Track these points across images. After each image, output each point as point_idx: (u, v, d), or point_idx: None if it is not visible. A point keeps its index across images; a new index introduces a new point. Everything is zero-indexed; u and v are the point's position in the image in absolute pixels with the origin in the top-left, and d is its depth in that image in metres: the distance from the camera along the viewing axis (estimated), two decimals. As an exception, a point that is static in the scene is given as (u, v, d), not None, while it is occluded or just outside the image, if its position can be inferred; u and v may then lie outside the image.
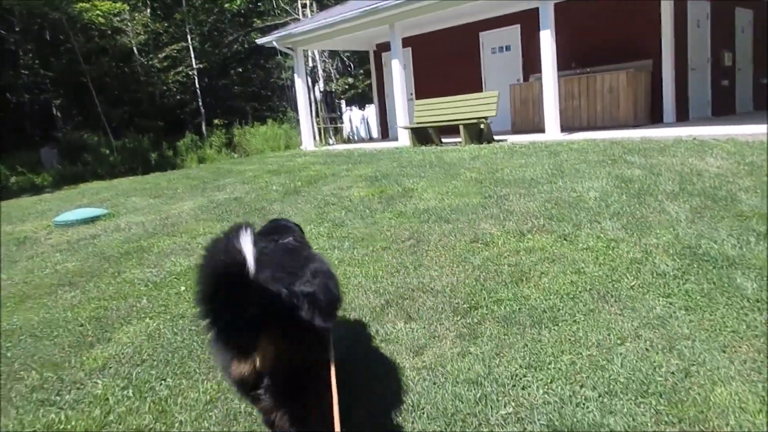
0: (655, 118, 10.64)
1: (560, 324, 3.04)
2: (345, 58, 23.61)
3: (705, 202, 4.58)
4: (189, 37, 24.30)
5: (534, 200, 5.33)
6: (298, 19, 20.66)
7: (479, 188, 6.10)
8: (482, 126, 9.95)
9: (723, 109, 12.00)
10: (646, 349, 2.73)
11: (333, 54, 23.65)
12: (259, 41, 14.93)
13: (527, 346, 2.87)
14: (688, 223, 4.19)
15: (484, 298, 3.48)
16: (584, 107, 10.80)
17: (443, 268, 4.05)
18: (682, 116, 10.75)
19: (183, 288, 4.27)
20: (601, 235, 4.20)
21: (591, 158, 6.75)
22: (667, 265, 3.56)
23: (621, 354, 2.70)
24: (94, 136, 19.90)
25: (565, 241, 4.24)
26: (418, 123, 11.12)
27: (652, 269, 3.54)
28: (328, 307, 1.93)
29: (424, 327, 3.18)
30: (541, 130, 10.89)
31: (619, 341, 2.81)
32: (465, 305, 3.41)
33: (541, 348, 2.83)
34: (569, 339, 2.88)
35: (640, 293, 3.28)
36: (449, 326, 3.17)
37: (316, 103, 20.23)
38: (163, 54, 23.93)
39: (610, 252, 3.89)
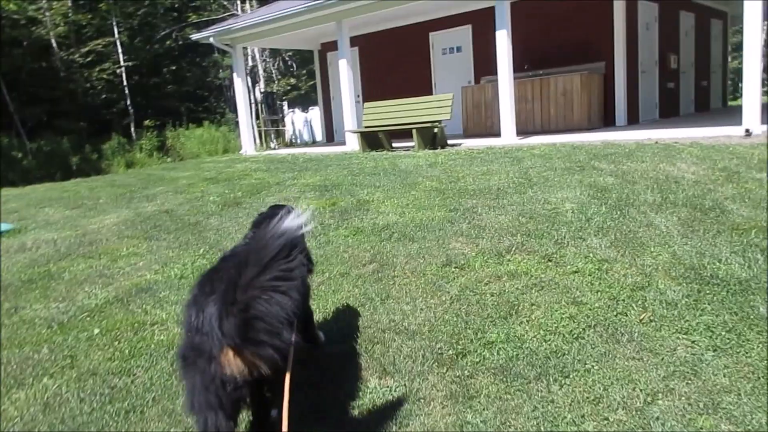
0: (608, 121, 10.47)
1: (571, 376, 2.49)
2: (287, 58, 22.67)
3: (693, 213, 4.19)
4: (116, 30, 22.70)
5: (506, 213, 4.82)
6: (237, 15, 19.62)
7: (442, 200, 5.55)
8: (436, 130, 9.46)
9: (669, 111, 12.03)
10: (685, 409, 2.21)
11: (274, 53, 22.67)
12: (195, 37, 13.91)
13: (537, 409, 2.30)
14: (682, 239, 3.77)
15: (471, 340, 2.90)
16: (538, 110, 10.51)
17: (416, 300, 3.45)
18: (633, 119, 10.64)
19: (97, 330, 3.48)
20: (590, 255, 3.72)
21: (557, 165, 6.34)
22: (675, 292, 3.09)
23: (657, 417, 2.17)
24: (5, 137, 18.10)
25: (550, 263, 3.73)
26: (367, 127, 10.52)
27: (659, 297, 3.06)
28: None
29: (404, 385, 2.56)
30: (495, 134, 10.52)
31: (649, 398, 2.29)
32: (450, 351, 2.82)
33: (556, 412, 2.27)
34: (587, 398, 2.33)
35: (653, 329, 2.79)
36: (435, 382, 2.56)
37: (256, 105, 19.29)
38: (87, 48, 22.20)
39: (605, 276, 3.39)
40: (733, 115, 11.52)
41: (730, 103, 16.57)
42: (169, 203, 7.38)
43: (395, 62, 13.55)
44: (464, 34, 12.26)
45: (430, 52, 12.94)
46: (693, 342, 2.63)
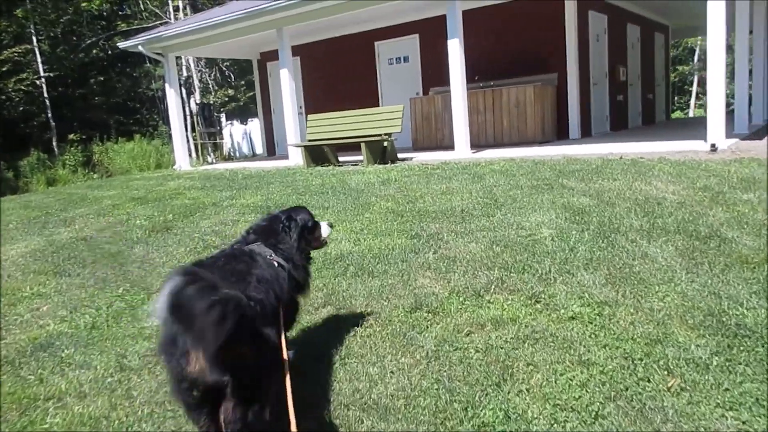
0: (561, 134, 10.18)
1: (603, 481, 1.88)
2: (224, 68, 21.57)
3: (690, 242, 3.72)
4: (35, 38, 20.97)
5: (476, 241, 4.23)
6: (169, 23, 18.48)
7: (402, 223, 4.92)
8: (386, 144, 8.86)
9: (619, 124, 11.93)
10: None
11: (211, 63, 21.53)
12: (122, 45, 12.81)
13: None
14: (687, 274, 3.27)
15: (461, 420, 2.26)
16: (490, 122, 10.10)
17: (384, 359, 2.78)
18: (586, 132, 10.41)
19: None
20: (585, 296, 3.16)
21: (522, 182, 5.84)
22: (699, 347, 2.55)
23: None
24: None
25: (538, 305, 3.15)
26: (312, 140, 9.80)
27: (683, 355, 2.51)
28: None
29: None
30: (446, 147, 10.05)
31: None
32: (437, 441, 2.16)
33: None
34: None
35: (687, 402, 2.22)
36: (424, 497, 1.89)
37: (191, 117, 18.17)
38: (1, 57, 20.38)
39: (611, 325, 2.83)
40: (682, 128, 11.56)
41: (672, 115, 16.88)
42: (88, 228, 6.46)
43: (340, 73, 12.91)
44: (411, 44, 11.77)
45: (376, 62, 12.38)
46: (744, 422, 2.07)
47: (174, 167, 13.38)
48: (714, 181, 5.07)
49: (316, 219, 2.79)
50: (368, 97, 12.19)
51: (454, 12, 8.47)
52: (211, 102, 20.30)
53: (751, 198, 4.43)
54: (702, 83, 27.31)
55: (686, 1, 11.39)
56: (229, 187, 8.06)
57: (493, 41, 10.60)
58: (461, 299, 3.32)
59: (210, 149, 17.56)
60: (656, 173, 5.63)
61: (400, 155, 9.45)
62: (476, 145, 9.46)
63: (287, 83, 10.39)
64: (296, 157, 10.26)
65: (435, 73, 11.13)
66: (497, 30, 10.55)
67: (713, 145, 6.68)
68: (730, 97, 10.32)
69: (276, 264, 2.37)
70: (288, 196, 6.78)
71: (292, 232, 2.56)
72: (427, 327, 3.06)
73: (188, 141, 13.84)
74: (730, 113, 7.67)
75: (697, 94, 26.93)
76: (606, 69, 11.13)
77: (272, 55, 12.80)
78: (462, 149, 8.74)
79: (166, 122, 16.65)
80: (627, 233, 3.97)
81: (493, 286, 3.43)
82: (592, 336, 2.76)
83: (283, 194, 6.96)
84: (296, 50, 12.80)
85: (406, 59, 11.98)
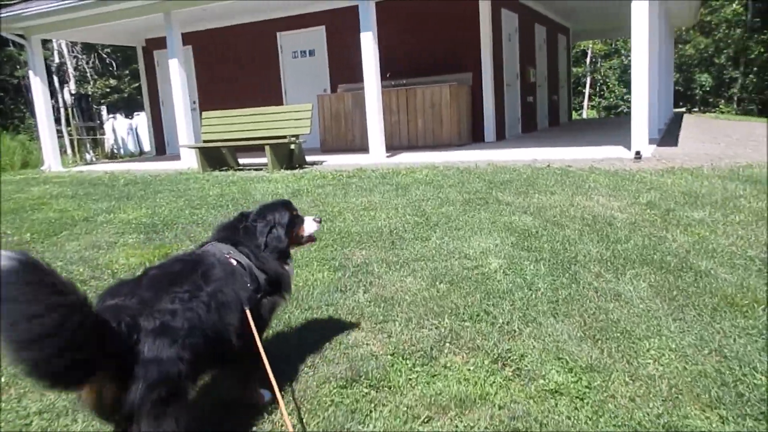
0: (476, 136, 9.78)
1: None
2: (105, 55, 19.31)
3: (663, 276, 3.23)
4: None
5: (414, 274, 3.53)
6: None
7: (321, 250, 4.11)
8: (293, 146, 7.96)
9: (529, 126, 11.80)
10: None
11: (89, 48, 19.19)
12: (-28, 23, 10.80)
13: None
14: (675, 323, 2.75)
15: None
16: (404, 124, 9.49)
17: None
18: (501, 134, 10.10)
19: None
20: (564, 357, 2.54)
21: (453, 196, 5.23)
22: (726, 435, 1.99)
23: None
24: None
25: (507, 370, 2.49)
26: (208, 141, 8.67)
27: (710, 450, 1.93)
28: None
29: None
30: (357, 149, 9.34)
31: None
32: None
33: None
34: None
35: None
36: None
37: (66, 109, 16.05)
38: None
39: (609, 404, 2.22)
40: (590, 131, 11.59)
41: (573, 117, 17.27)
42: None
43: (238, 65, 11.76)
44: (317, 36, 10.89)
45: (279, 55, 11.37)
46: None
47: (42, 168, 11.57)
48: (656, 195, 4.72)
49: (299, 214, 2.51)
50: (270, 94, 11.17)
51: (366, 4, 7.73)
52: (90, 93, 18.09)
53: (704, 217, 4.08)
54: (594, 85, 28.66)
55: (590, 2, 11.41)
56: (107, 196, 6.82)
57: (406, 37, 10.00)
58: (409, 364, 2.59)
59: (89, 146, 15.59)
60: (592, 185, 5.23)
61: (308, 158, 8.60)
62: (390, 147, 8.80)
63: (177, 75, 9.16)
64: (190, 160, 9.07)
65: (344, 69, 10.36)
66: (409, 25, 9.96)
67: (638, 153, 6.47)
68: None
69: (235, 262, 2.11)
70: (180, 210, 5.72)
71: (260, 228, 2.30)
72: (370, 412, 2.29)
73: (64, 136, 12.03)
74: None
75: (589, 95, 28.20)
76: (517, 70, 10.90)
77: (160, 43, 11.40)
78: (377, 153, 8.04)
79: (34, 114, 14.53)
80: (587, 264, 3.43)
81: (446, 343, 2.73)
82: (589, 421, 2.12)
83: (173, 207, 5.89)
84: (188, 38, 11.52)
85: (311, 53, 11.08)
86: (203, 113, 9.13)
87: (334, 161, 8.37)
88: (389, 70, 9.86)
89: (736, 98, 25.82)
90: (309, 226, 2.52)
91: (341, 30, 10.20)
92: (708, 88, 25.82)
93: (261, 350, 1.98)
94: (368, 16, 7.71)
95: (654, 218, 4.18)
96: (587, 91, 27.31)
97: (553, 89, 13.77)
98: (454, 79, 9.41)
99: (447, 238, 4.12)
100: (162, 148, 13.43)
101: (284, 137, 7.90)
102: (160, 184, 7.43)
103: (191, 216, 5.43)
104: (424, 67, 9.86)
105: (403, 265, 3.69)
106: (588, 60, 27.62)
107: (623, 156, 6.63)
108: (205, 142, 8.64)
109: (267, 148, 7.73)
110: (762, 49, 24.24)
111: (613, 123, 15.90)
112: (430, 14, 9.76)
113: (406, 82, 9.71)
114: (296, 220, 2.47)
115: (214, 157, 8.51)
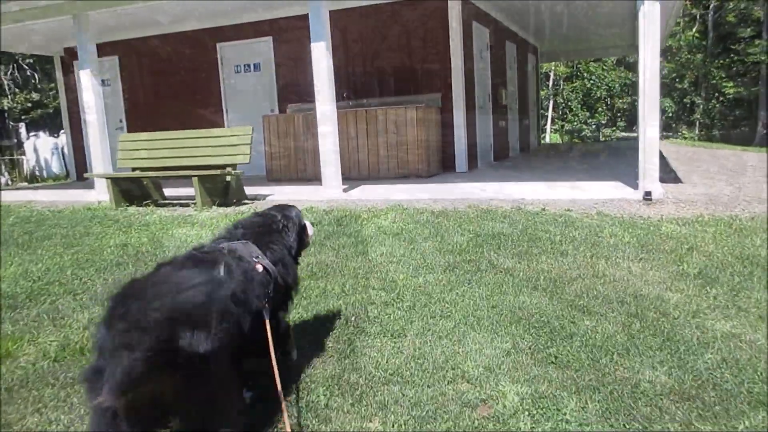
0: (446, 165, 8.55)
1: None
2: (25, 66, 17.19)
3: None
4: None
5: (383, 419, 2.17)
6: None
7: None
8: (229, 178, 6.53)
9: (501, 153, 10.69)
10: None
11: (9, 58, 17.08)
12: None
13: None
14: None
15: None
16: (364, 151, 8.17)
17: None
18: (473, 164, 8.90)
19: None
20: None
21: (431, 257, 3.91)
22: None
23: None
24: None
25: None
26: (123, 169, 7.13)
27: None
28: None
29: None
30: (309, 180, 8.00)
31: None
32: None
33: None
34: None
35: None
36: None
37: (-24, 126, 14.10)
38: None
39: None
40: (566, 159, 10.62)
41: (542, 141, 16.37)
42: None
43: (173, 79, 10.24)
44: (264, 48, 9.51)
45: (219, 69, 9.91)
46: None
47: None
48: (703, 262, 3.52)
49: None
50: (209, 112, 9.71)
51: (318, 11, 6.42)
52: (5, 107, 16.06)
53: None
54: (556, 108, 28.15)
55: (563, 18, 10.46)
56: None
57: (366, 52, 8.74)
58: None
59: (3, 168, 13.65)
60: (611, 242, 4.01)
61: (251, 189, 7.18)
62: (348, 178, 7.44)
63: (91, 90, 7.60)
64: (103, 191, 7.48)
65: (294, 86, 9.01)
66: (369, 36, 8.72)
67: (648, 194, 5.33)
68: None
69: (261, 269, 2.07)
70: (60, 271, 4.20)
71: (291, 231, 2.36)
72: None
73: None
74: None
75: (552, 119, 27.65)
76: (489, 90, 9.79)
77: (79, 52, 9.79)
78: (331, 186, 6.69)
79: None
80: (661, 402, 2.14)
81: None
82: None
83: (53, 264, 4.36)
84: (114, 47, 10.02)
85: (257, 67, 9.68)
86: (121, 136, 7.59)
87: (281, 195, 6.97)
88: (347, 89, 8.57)
89: (698, 123, 25.69)
90: (311, 230, 2.58)
91: (291, 42, 8.88)
92: (671, 114, 25.62)
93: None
94: (320, 21, 6.39)
95: (719, 302, 2.96)
96: (550, 113, 26.76)
97: (524, 112, 12.77)
98: (422, 100, 8.18)
99: (430, 335, 2.79)
100: (84, 172, 11.68)
101: (217, 167, 6.46)
102: (56, 226, 5.87)
103: (71, 281, 3.93)
104: (386, 86, 8.61)
105: (365, 393, 2.33)
106: (550, 82, 27.10)
107: (628, 197, 5.49)
108: (119, 170, 7.10)
109: (195, 180, 6.26)
110: (722, 74, 24.19)
111: (583, 150, 15.07)
112: (394, 24, 8.55)
113: (367, 103, 8.42)
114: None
115: (133, 189, 6.98)
